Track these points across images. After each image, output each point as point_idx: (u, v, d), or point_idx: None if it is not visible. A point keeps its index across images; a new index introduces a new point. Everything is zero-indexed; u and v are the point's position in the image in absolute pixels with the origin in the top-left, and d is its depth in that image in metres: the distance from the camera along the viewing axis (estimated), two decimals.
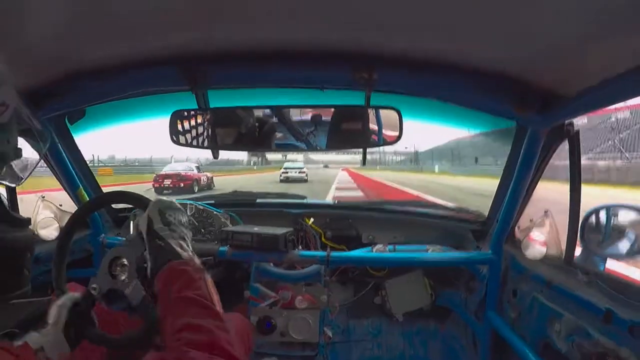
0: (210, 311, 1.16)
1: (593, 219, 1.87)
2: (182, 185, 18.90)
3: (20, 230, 1.14)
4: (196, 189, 19.32)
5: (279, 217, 2.61)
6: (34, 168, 1.61)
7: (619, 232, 1.88)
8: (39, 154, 1.60)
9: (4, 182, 1.33)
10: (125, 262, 1.41)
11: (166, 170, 19.81)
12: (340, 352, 2.74)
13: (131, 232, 2.40)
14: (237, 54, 1.56)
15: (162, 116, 1.92)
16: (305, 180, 25.66)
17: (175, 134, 1.86)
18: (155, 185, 19.01)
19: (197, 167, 21.46)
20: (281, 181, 25.46)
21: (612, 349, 1.35)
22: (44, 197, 2.31)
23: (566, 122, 1.65)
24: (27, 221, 1.17)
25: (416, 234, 2.61)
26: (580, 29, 1.11)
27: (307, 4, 1.19)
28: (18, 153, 1.18)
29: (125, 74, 1.64)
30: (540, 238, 1.98)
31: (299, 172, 26.63)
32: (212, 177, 22.10)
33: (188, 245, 1.35)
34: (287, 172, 26.57)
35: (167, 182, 19.00)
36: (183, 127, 1.88)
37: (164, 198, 1.46)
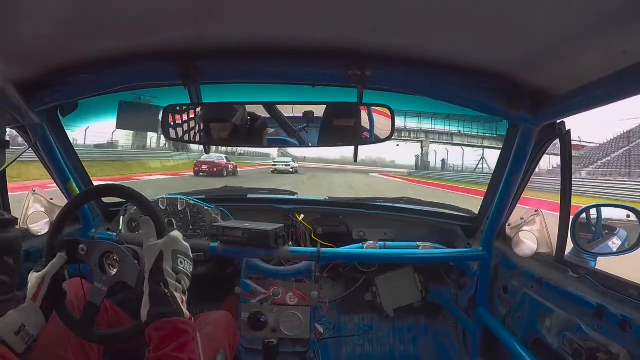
0: None
1: (584, 217, 1.88)
2: (215, 170, 23.15)
3: None
4: (225, 173, 23.57)
5: (270, 213, 2.61)
6: (17, 158, 1.58)
7: (609, 230, 1.89)
8: (28, 143, 1.57)
9: None
10: (117, 258, 1.41)
11: (204, 158, 23.62)
12: (331, 348, 2.74)
13: (120, 227, 2.39)
14: (230, 50, 1.56)
15: None
16: (291, 172, 28.98)
17: (167, 128, 1.85)
18: (195, 169, 23.51)
19: (226, 158, 25.44)
20: (272, 172, 28.94)
21: (603, 344, 1.36)
22: (34, 190, 2.28)
23: (558, 121, 1.66)
24: (5, 222, 1.10)
25: (406, 231, 2.62)
26: (571, 30, 1.12)
27: (300, 1, 1.18)
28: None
29: (118, 68, 1.64)
30: (531, 235, 1.99)
31: (285, 165, 29.49)
32: (236, 166, 26.49)
33: (186, 301, 1.31)
34: (275, 165, 29.81)
35: (204, 167, 23.29)
36: (175, 121, 1.87)
37: (182, 240, 1.39)
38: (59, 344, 1.51)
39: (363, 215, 2.69)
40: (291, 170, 29.34)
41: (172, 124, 1.86)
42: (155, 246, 1.31)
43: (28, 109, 1.63)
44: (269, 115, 1.89)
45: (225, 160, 24.38)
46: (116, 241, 1.53)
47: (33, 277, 1.36)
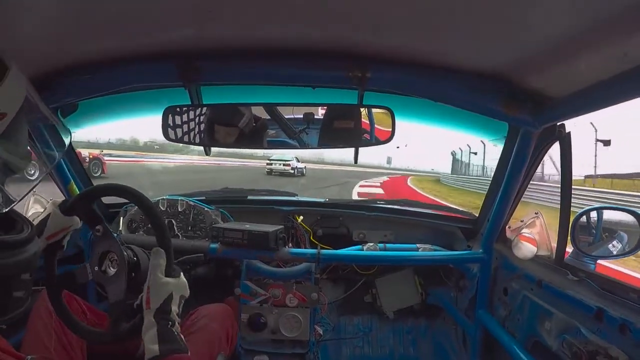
0: None
1: (584, 219, 1.88)
2: None
3: (10, 255, 1.02)
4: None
5: (270, 214, 2.61)
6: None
7: (609, 233, 1.89)
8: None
9: None
10: (116, 258, 1.41)
11: None
12: (331, 350, 2.74)
13: (120, 228, 2.39)
14: (231, 51, 1.56)
15: (156, 111, 1.91)
16: (292, 174, 24.22)
17: (167, 130, 1.85)
18: None
19: None
20: (267, 173, 24.26)
21: (602, 347, 1.36)
22: (34, 192, 2.28)
23: (558, 123, 1.66)
24: (21, 242, 1.05)
25: (407, 233, 2.62)
26: (571, 31, 1.12)
27: (301, 2, 1.18)
28: (23, 164, 1.13)
29: (117, 69, 1.63)
30: (531, 238, 1.99)
31: (283, 165, 24.46)
32: (95, 158, 17.00)
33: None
34: (271, 164, 24.65)
35: None
36: (175, 122, 1.87)
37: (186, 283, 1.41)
38: (43, 346, 1.52)
39: (363, 217, 2.69)
40: (291, 171, 24.36)
41: (171, 124, 1.86)
42: (167, 286, 1.33)
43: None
44: (268, 117, 1.89)
45: None
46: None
47: (59, 219, 1.44)
